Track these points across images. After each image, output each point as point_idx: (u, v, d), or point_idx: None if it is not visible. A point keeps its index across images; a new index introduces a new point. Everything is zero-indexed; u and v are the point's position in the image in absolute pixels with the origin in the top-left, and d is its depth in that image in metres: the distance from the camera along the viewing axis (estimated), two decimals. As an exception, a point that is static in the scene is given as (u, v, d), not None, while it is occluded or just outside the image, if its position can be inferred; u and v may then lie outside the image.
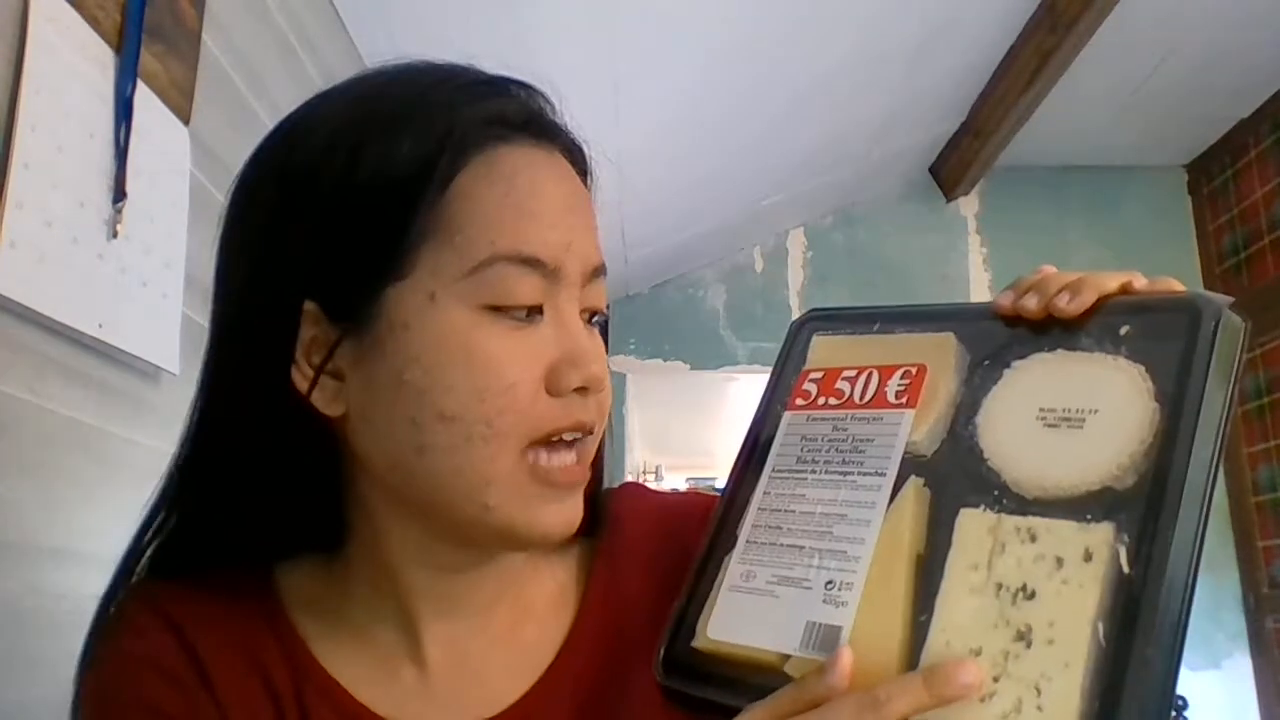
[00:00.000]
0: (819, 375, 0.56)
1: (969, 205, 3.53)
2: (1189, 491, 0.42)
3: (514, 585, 0.59)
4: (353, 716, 0.54)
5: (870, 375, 0.54)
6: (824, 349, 0.58)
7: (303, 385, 0.51)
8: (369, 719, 0.54)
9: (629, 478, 3.81)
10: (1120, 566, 0.42)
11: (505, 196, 0.50)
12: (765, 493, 0.54)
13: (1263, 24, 2.68)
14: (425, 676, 0.56)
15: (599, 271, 0.54)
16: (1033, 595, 0.43)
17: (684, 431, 5.71)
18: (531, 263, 0.50)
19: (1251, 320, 0.47)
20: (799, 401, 0.56)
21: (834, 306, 0.60)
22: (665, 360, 3.41)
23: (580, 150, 0.57)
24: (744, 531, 0.53)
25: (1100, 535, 0.43)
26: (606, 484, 0.63)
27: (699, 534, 0.60)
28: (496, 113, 0.52)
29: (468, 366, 0.48)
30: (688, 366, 3.42)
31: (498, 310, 0.49)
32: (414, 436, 0.49)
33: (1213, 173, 3.43)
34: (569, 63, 1.93)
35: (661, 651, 0.52)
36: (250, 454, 0.53)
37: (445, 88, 0.52)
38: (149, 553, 0.56)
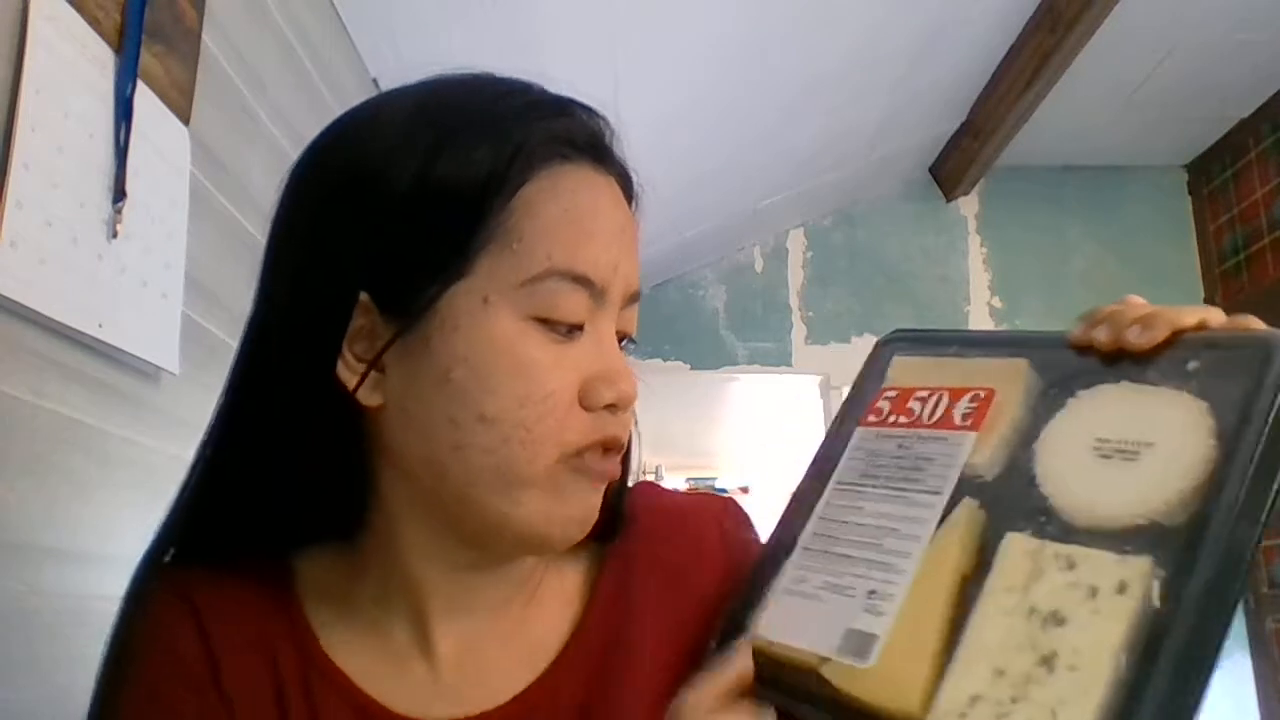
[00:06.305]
0: (894, 394, 0.58)
1: (969, 205, 3.53)
2: (1233, 533, 0.41)
3: (527, 584, 0.60)
4: (358, 706, 0.55)
5: (941, 396, 0.55)
6: (902, 369, 0.59)
7: (345, 373, 0.52)
8: (374, 709, 0.55)
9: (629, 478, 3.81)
10: (1151, 601, 0.41)
11: (565, 213, 0.52)
12: (827, 503, 0.56)
13: (1263, 24, 2.68)
14: (434, 670, 0.57)
15: (636, 297, 0.56)
16: (1063, 622, 0.43)
17: (684, 431, 5.72)
18: (583, 281, 0.51)
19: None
20: (871, 418, 0.58)
21: (918, 328, 0.62)
22: (665, 360, 3.40)
23: (630, 178, 0.58)
24: (803, 538, 0.55)
25: (1136, 568, 0.43)
26: None
27: (712, 534, 0.62)
28: (564, 132, 0.53)
29: (512, 372, 0.50)
30: (688, 366, 3.42)
31: (545, 322, 0.51)
32: (452, 434, 0.50)
33: (1213, 173, 3.43)
34: (569, 61, 1.93)
35: (714, 644, 0.54)
36: (284, 438, 0.54)
37: (517, 102, 0.53)
38: (176, 536, 0.57)
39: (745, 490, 6.90)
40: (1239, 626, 3.17)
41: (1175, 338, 0.47)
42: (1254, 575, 3.15)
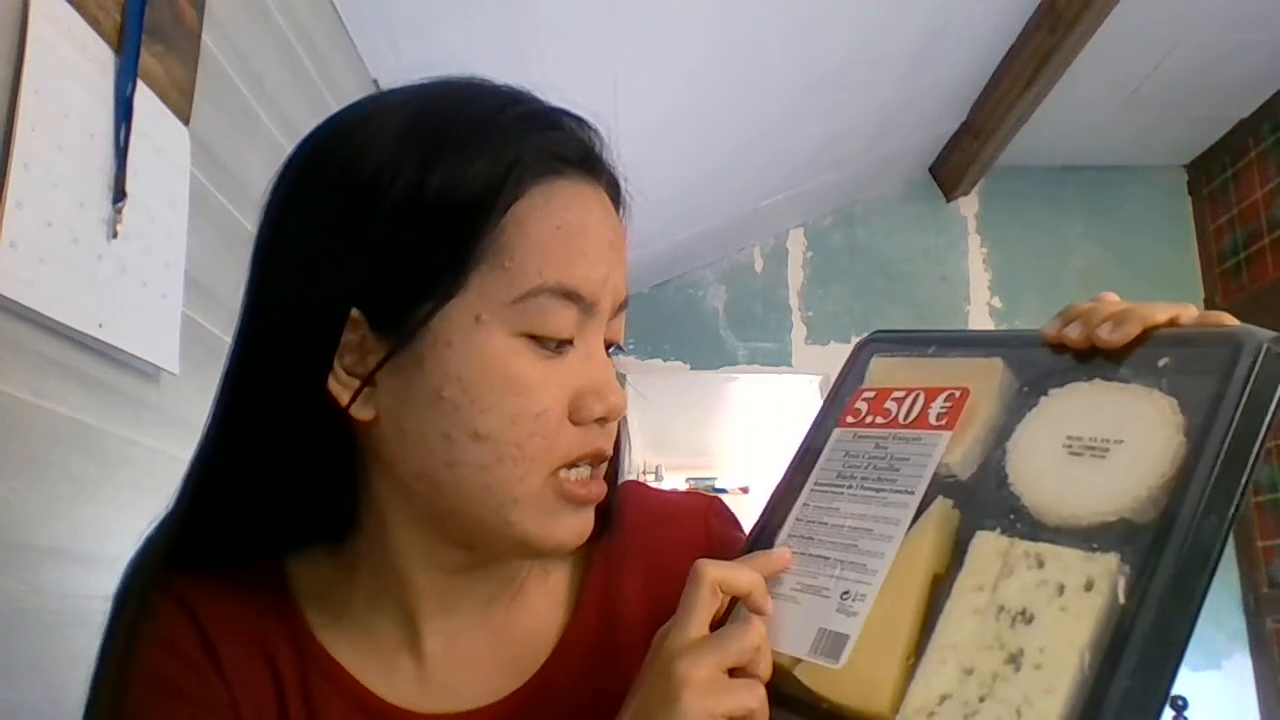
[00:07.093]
0: (871, 395, 0.58)
1: (969, 205, 3.53)
2: (1199, 528, 0.41)
3: (513, 583, 0.61)
4: (356, 699, 0.56)
5: (917, 397, 0.55)
6: (881, 369, 0.59)
7: (336, 387, 0.52)
8: (372, 701, 0.56)
9: (629, 478, 3.82)
10: (1117, 599, 0.41)
11: (557, 230, 0.52)
12: (804, 504, 0.56)
13: (1263, 24, 2.68)
14: (422, 667, 0.58)
15: (624, 305, 0.56)
16: (1031, 620, 0.43)
17: (684, 431, 5.72)
18: (573, 296, 0.52)
19: (1251, 321, 0.47)
20: (849, 419, 0.58)
21: (897, 329, 0.62)
22: (665, 360, 3.41)
23: (618, 186, 0.58)
24: (780, 540, 0.55)
25: (1103, 565, 0.43)
26: None
27: (699, 532, 0.62)
28: (556, 146, 0.53)
29: (505, 390, 0.50)
30: (688, 366, 3.42)
31: (534, 338, 0.51)
32: (446, 451, 0.51)
33: (1213, 173, 3.43)
34: (568, 61, 1.94)
35: None
36: (274, 448, 0.54)
37: (509, 115, 0.53)
38: (170, 542, 0.57)
39: (745, 490, 6.90)
40: (1239, 626, 3.17)
41: (1147, 334, 0.47)
42: (1254, 575, 3.15)
